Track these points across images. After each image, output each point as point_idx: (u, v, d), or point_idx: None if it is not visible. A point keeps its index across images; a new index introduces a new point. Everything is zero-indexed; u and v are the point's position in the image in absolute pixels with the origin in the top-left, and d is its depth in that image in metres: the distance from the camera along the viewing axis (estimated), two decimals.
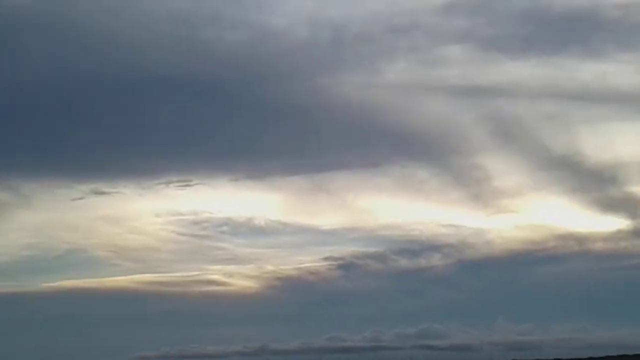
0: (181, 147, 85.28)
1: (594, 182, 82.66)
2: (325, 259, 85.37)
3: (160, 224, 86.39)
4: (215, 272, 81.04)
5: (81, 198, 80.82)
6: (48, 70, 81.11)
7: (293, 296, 79.04)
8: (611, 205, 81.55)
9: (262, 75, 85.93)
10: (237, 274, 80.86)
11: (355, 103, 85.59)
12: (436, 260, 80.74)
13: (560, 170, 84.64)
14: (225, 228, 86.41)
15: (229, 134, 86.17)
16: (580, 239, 79.02)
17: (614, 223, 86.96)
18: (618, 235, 79.54)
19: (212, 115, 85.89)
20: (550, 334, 62.66)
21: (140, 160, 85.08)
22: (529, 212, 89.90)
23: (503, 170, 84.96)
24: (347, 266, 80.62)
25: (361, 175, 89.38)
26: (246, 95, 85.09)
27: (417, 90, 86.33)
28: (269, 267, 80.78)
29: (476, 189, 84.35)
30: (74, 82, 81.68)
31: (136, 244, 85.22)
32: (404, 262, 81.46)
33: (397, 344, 61.21)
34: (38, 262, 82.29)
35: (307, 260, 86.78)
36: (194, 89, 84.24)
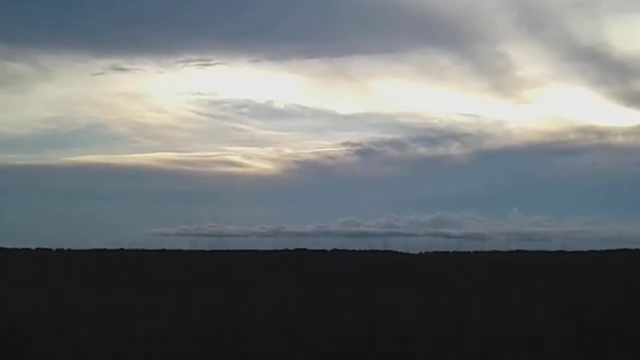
0: (201, 25, 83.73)
1: (617, 74, 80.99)
2: (344, 144, 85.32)
3: (179, 103, 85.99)
4: (234, 153, 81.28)
5: (101, 73, 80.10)
6: None
7: (310, 180, 79.47)
8: (634, 98, 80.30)
9: None
10: (255, 156, 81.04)
11: None
12: (454, 149, 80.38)
13: (584, 61, 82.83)
14: (244, 109, 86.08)
15: (249, 13, 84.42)
16: (601, 132, 78.11)
17: (636, 117, 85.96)
18: (639, 129, 78.82)
19: None
20: (563, 226, 62.81)
21: (160, 37, 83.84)
22: (550, 104, 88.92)
23: (526, 59, 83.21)
24: (364, 152, 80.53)
25: (381, 60, 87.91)
26: None
27: None
28: (288, 150, 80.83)
29: (498, 78, 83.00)
30: None
31: (155, 122, 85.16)
32: (421, 150, 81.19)
33: (410, 230, 61.56)
34: (58, 135, 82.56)
35: (325, 145, 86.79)
36: None
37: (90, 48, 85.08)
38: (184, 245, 33.15)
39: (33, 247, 34.15)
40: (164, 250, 34.67)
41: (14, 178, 73.63)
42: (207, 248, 33.43)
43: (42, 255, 30.64)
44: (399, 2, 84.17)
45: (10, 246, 34.37)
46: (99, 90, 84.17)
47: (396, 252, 29.48)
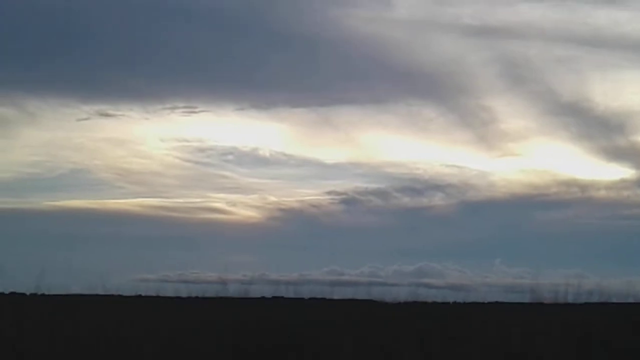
0: (187, 73, 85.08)
1: (600, 129, 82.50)
2: (328, 192, 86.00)
3: (165, 149, 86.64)
4: (219, 200, 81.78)
5: (87, 119, 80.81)
6: None
7: (294, 228, 79.81)
8: (616, 153, 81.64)
9: (272, 3, 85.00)
10: (240, 203, 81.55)
11: (364, 37, 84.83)
12: (438, 199, 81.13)
13: (567, 116, 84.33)
14: (229, 157, 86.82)
15: (235, 62, 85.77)
16: (584, 186, 79.27)
17: (619, 172, 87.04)
18: (622, 184, 79.74)
19: (219, 42, 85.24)
20: (545, 278, 63.01)
21: (146, 84, 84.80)
22: (534, 157, 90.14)
23: (510, 113, 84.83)
24: (349, 201, 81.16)
25: (367, 110, 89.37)
26: (254, 23, 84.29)
27: (427, 27, 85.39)
28: (272, 198, 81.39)
29: (482, 130, 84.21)
30: (86, 1, 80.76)
31: (140, 168, 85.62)
32: (405, 200, 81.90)
33: (394, 280, 61.71)
34: (41, 180, 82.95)
35: (309, 193, 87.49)
36: (203, 14, 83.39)
37: (76, 93, 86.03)
38: (167, 292, 33.01)
39: (8, 291, 34.02)
40: (146, 296, 34.49)
41: None
42: (190, 295, 33.35)
43: (20, 300, 30.56)
44: (385, 54, 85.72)
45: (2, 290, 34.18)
46: (84, 136, 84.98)
47: (375, 301, 29.71)
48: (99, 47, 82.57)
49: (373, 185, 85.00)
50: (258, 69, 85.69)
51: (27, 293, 32.78)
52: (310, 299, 28.71)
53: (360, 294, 32.43)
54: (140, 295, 32.46)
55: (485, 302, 34.48)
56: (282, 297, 27.11)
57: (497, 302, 35.15)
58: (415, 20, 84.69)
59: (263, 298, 29.89)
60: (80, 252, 68.46)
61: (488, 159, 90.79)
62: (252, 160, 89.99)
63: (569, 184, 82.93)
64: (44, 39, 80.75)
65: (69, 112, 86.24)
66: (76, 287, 33.98)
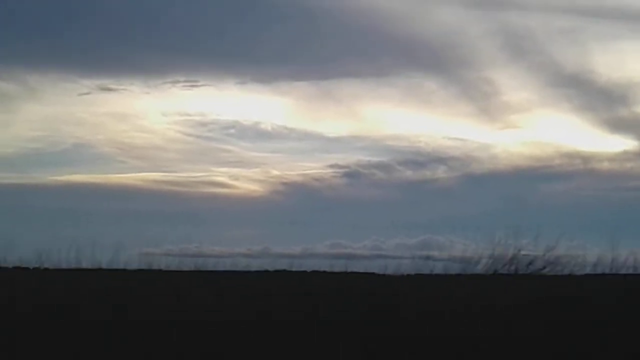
0: (188, 46, 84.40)
1: (603, 101, 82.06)
2: (331, 166, 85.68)
3: (166, 124, 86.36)
4: (221, 174, 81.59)
5: (88, 93, 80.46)
6: None
7: (297, 202, 79.82)
8: (619, 125, 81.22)
9: None
10: (242, 177, 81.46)
11: (365, 9, 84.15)
12: (441, 172, 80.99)
13: (570, 87, 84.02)
14: (231, 131, 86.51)
15: (236, 35, 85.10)
16: (586, 157, 79.01)
17: (621, 143, 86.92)
18: (624, 155, 79.49)
19: (220, 15, 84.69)
20: (547, 250, 63.23)
21: (147, 58, 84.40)
22: (536, 129, 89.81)
23: (511, 85, 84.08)
24: (351, 174, 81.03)
25: (368, 84, 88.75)
26: None
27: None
28: (275, 172, 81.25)
29: (484, 103, 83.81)
30: None
31: (143, 142, 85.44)
32: (408, 173, 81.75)
33: (397, 253, 61.66)
34: (44, 155, 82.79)
35: (312, 167, 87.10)
36: None
37: (77, 68, 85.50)
38: (171, 265, 33.17)
39: (15, 265, 34.11)
40: (149, 270, 34.68)
41: (1, 197, 73.72)
42: (192, 268, 33.54)
43: (26, 274, 30.75)
44: (386, 26, 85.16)
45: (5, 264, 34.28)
46: (85, 110, 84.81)
47: (378, 274, 29.85)
48: (99, 21, 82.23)
49: (375, 159, 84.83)
50: (259, 42, 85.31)
51: (30, 267, 32.99)
52: (312, 271, 28.96)
53: (364, 267, 32.69)
54: (143, 269, 32.69)
55: (488, 274, 34.60)
56: (285, 270, 27.37)
57: (499, 274, 35.25)
58: None
59: (266, 271, 30.18)
60: (84, 227, 68.58)
61: (490, 132, 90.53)
62: (254, 134, 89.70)
63: (572, 155, 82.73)
64: (44, 14, 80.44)
65: (70, 86, 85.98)
66: (80, 261, 34.17)
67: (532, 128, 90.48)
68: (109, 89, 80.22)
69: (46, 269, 31.03)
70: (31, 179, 79.74)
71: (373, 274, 30.36)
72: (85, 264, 32.14)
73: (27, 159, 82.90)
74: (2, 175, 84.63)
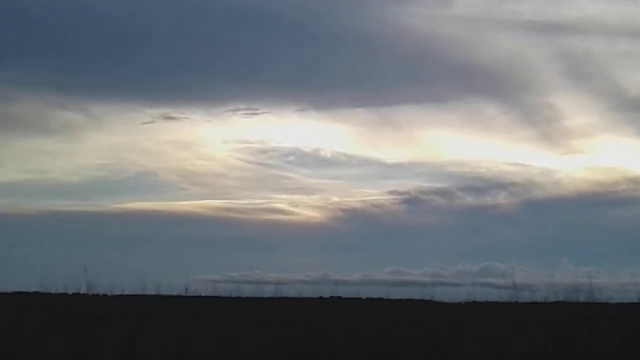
0: (249, 75, 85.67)
1: None
2: (390, 192, 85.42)
3: (227, 151, 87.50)
4: (281, 201, 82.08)
5: (151, 122, 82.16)
6: None
7: (356, 228, 79.64)
8: None
9: (331, 3, 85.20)
10: (302, 204, 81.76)
11: (423, 35, 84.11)
12: (502, 198, 79.98)
13: (633, 111, 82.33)
14: (291, 158, 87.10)
15: (296, 63, 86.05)
16: None
17: None
18: None
19: (279, 44, 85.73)
20: (614, 278, 61.74)
21: (208, 87, 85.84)
22: (600, 154, 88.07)
23: (574, 109, 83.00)
24: (411, 200, 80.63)
25: (427, 109, 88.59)
26: (314, 24, 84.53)
27: (487, 24, 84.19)
28: (334, 198, 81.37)
29: (545, 127, 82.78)
30: (149, 6, 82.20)
31: (204, 170, 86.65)
32: (469, 199, 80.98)
33: (457, 280, 61.17)
34: (109, 183, 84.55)
35: (371, 193, 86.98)
36: (263, 18, 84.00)
37: (141, 97, 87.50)
38: (231, 291, 33.51)
39: (82, 291, 34.71)
40: (212, 296, 34.96)
41: (65, 224, 75.46)
42: (253, 295, 33.81)
43: (90, 300, 31.31)
44: (445, 51, 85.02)
45: (60, 291, 35.00)
46: (149, 139, 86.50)
47: (435, 302, 29.47)
48: (162, 51, 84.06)
49: (435, 185, 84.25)
50: (318, 70, 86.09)
51: (101, 293, 33.58)
52: (367, 299, 28.56)
53: (424, 294, 32.33)
54: (202, 296, 33.01)
55: (551, 301, 33.86)
56: (339, 297, 27.12)
57: (562, 302, 34.49)
58: (474, 17, 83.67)
59: (320, 298, 30.08)
60: (148, 253, 69.73)
61: (552, 157, 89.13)
62: (314, 160, 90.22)
63: (637, 181, 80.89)
64: (108, 45, 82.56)
65: (134, 115, 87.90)
66: (143, 287, 34.63)
67: (595, 153, 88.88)
68: (172, 118, 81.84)
69: (109, 296, 31.61)
70: (96, 207, 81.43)
71: (430, 301, 30.04)
72: (148, 290, 32.70)
73: (92, 186, 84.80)
74: (68, 202, 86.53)
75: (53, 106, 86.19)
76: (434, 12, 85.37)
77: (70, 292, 32.85)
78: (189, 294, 34.24)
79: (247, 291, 32.74)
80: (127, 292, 32.79)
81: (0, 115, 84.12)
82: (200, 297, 33.65)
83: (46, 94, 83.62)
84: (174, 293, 33.97)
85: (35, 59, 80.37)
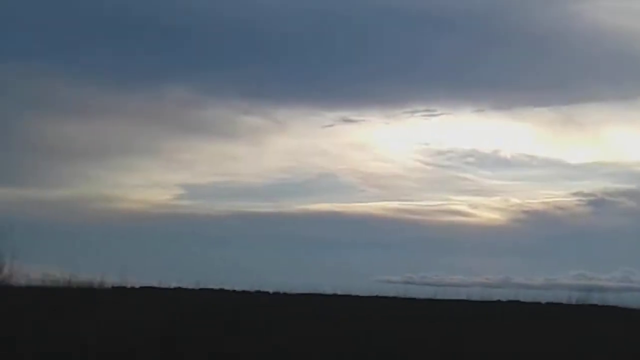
0: (426, 76, 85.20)
1: None
2: (575, 194, 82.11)
3: (405, 153, 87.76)
4: (460, 203, 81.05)
5: (331, 125, 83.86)
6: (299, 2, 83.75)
7: (539, 230, 77.20)
8: None
9: (511, 3, 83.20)
10: (482, 206, 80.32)
11: (608, 30, 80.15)
12: None
13: None
14: (470, 159, 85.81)
15: (473, 63, 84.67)
16: None
17: None
18: None
19: (456, 45, 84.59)
20: None
21: (386, 90, 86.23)
22: None
23: None
24: (597, 202, 77.13)
25: (614, 107, 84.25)
26: (492, 24, 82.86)
27: None
28: (515, 200, 79.30)
29: None
30: (324, 15, 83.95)
31: (382, 171, 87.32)
32: None
33: None
34: (291, 185, 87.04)
35: (555, 195, 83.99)
36: (439, 20, 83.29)
37: (321, 102, 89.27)
38: (411, 293, 33.76)
39: (270, 290, 36.13)
40: (391, 297, 35.30)
41: (251, 225, 78.56)
42: (432, 297, 33.91)
43: (272, 299, 32.52)
44: (633, 46, 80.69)
45: (250, 289, 36.50)
46: (328, 142, 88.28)
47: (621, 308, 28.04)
48: (340, 56, 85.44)
49: (623, 186, 79.93)
50: (497, 69, 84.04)
51: (270, 291, 34.85)
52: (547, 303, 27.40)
53: (611, 300, 30.86)
54: (380, 296, 33.41)
55: None
56: (518, 301, 26.28)
57: None
58: None
59: (499, 302, 29.37)
60: (328, 253, 71.19)
61: None
62: (494, 161, 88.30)
63: None
64: (291, 52, 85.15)
65: (314, 119, 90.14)
66: (324, 287, 35.51)
67: None
68: (350, 121, 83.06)
69: (289, 295, 32.72)
70: (280, 208, 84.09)
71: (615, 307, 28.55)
72: (325, 290, 33.55)
73: (275, 188, 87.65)
74: (254, 204, 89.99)
75: (239, 112, 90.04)
76: (620, 5, 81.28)
77: (253, 290, 34.34)
78: (368, 294, 34.83)
79: (424, 293, 32.84)
80: (307, 291, 33.81)
81: (192, 121, 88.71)
82: (379, 297, 34.08)
83: (233, 100, 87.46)
84: (353, 293, 34.66)
85: (223, 68, 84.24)
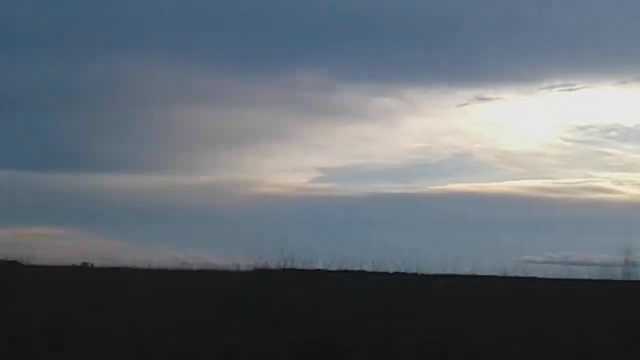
0: (562, 49, 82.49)
1: None
2: None
3: (543, 129, 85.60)
4: (603, 179, 78.48)
5: (465, 104, 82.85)
6: None
7: None
8: None
9: None
10: (627, 182, 77.36)
11: None
12: None
13: None
14: (612, 134, 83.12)
15: (614, 33, 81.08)
16: None
17: None
18: None
19: (594, 14, 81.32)
20: None
21: (521, 65, 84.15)
22: None
23: None
24: None
25: None
26: None
27: None
28: None
29: None
30: None
31: (519, 149, 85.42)
32: None
33: None
34: (425, 165, 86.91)
35: None
36: None
37: (454, 80, 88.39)
38: (554, 272, 32.70)
39: (401, 270, 35.87)
40: (533, 277, 34.37)
41: (388, 205, 78.76)
42: (586, 277, 32.74)
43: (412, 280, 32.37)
44: None
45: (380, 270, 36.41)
46: (462, 121, 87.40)
47: None
48: (469, 34, 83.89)
49: None
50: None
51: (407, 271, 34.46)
52: None
53: None
54: (519, 277, 32.55)
55: None
56: None
57: None
58: None
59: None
60: (465, 234, 70.26)
61: None
62: (638, 135, 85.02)
63: None
64: (420, 30, 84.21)
65: (447, 98, 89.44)
66: (462, 268, 34.98)
67: None
68: (485, 99, 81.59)
69: (421, 275, 32.41)
70: (414, 189, 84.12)
71: None
72: (465, 270, 33.01)
73: (409, 169, 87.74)
74: (388, 185, 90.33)
75: (371, 93, 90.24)
76: None
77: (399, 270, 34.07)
78: (506, 275, 34.01)
79: (567, 272, 31.70)
80: (447, 272, 33.39)
81: (325, 105, 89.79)
82: (517, 277, 33.23)
83: (365, 82, 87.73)
84: (492, 273, 33.95)
85: (353, 51, 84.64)
